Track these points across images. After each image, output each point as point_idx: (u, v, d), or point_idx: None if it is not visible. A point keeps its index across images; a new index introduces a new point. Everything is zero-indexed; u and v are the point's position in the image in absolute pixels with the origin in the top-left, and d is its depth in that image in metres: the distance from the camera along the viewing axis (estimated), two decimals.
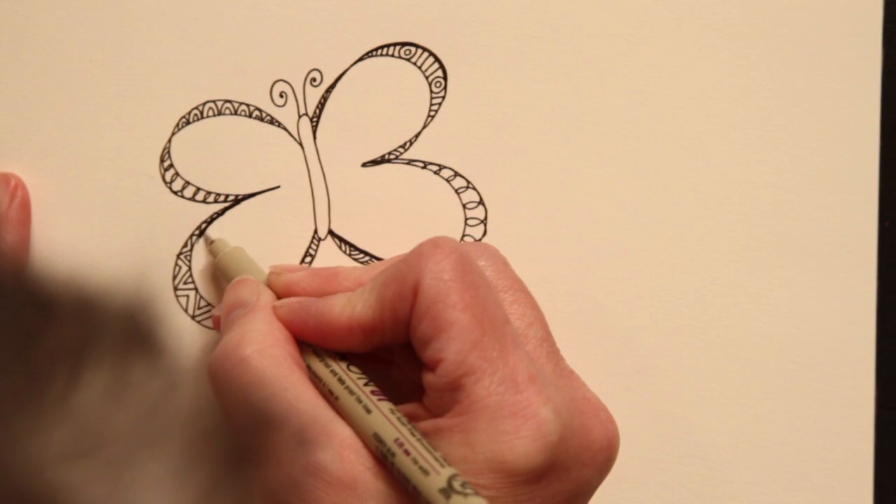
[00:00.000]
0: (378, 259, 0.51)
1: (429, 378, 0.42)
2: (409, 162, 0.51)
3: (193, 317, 0.50)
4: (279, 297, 0.47)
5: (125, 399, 0.47)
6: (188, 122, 0.50)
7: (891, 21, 0.51)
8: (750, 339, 0.51)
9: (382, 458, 0.41)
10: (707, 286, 0.51)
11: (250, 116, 0.50)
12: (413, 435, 0.40)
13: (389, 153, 0.51)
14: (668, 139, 0.51)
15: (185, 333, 0.50)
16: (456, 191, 0.51)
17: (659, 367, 0.51)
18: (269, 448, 0.42)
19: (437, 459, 0.40)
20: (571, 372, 0.45)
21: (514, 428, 0.40)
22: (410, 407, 0.43)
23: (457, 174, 0.51)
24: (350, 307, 0.44)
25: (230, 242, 0.49)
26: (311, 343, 0.45)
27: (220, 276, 0.49)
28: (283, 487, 0.41)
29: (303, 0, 0.50)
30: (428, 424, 0.42)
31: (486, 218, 0.51)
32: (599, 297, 0.51)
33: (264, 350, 0.43)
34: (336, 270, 0.46)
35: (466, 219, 0.51)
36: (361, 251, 0.51)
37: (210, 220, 0.50)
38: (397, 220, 0.51)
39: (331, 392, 0.43)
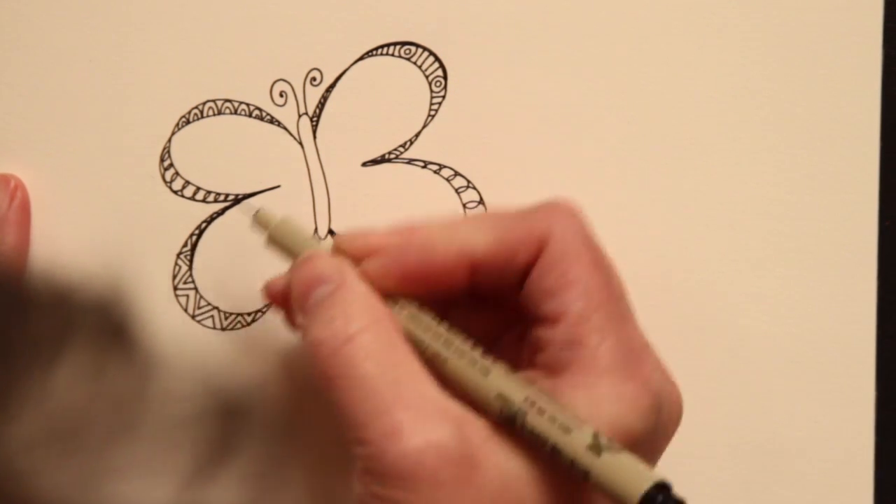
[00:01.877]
0: None
1: (547, 333, 0.42)
2: (409, 161, 0.51)
3: (193, 316, 0.50)
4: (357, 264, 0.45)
5: (101, 386, 0.47)
6: (188, 122, 0.50)
7: (891, 21, 0.51)
8: (750, 339, 0.51)
9: (507, 421, 0.40)
10: (707, 286, 0.51)
11: (250, 116, 0.50)
12: (542, 393, 0.40)
13: (389, 153, 0.51)
14: (668, 139, 0.51)
15: (184, 333, 0.50)
16: (456, 190, 0.51)
17: None
18: (390, 424, 0.40)
19: (574, 417, 0.39)
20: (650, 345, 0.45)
21: (635, 394, 0.41)
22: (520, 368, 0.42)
23: (457, 174, 0.51)
24: (459, 238, 0.43)
25: (276, 212, 0.47)
26: (407, 294, 0.43)
27: (275, 249, 0.46)
28: (405, 466, 0.39)
29: (303, 0, 0.50)
30: (547, 383, 0.41)
31: None
32: None
33: (373, 325, 0.42)
34: (414, 225, 0.44)
35: None
36: None
37: (210, 220, 0.50)
38: (397, 219, 0.51)
39: (437, 355, 0.42)
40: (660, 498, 0.37)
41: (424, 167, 0.51)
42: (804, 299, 0.51)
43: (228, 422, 0.48)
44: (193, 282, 0.50)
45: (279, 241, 0.46)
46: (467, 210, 0.51)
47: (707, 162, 0.51)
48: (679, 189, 0.51)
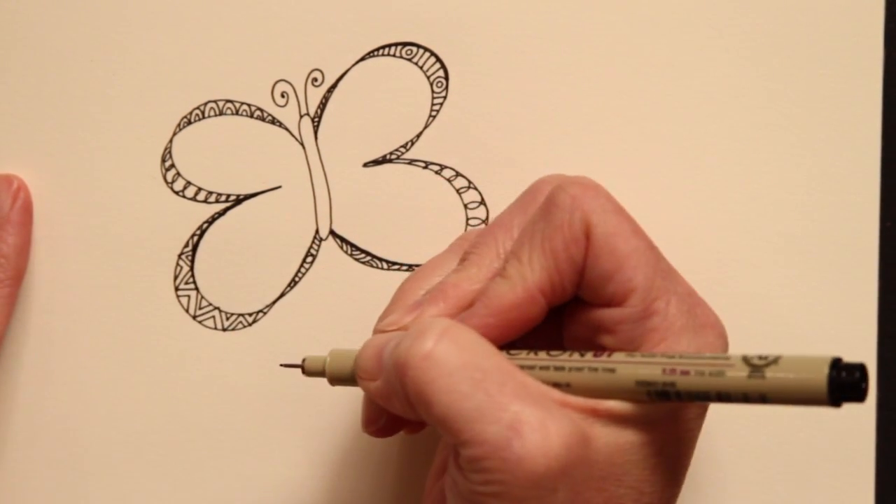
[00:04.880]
0: (380, 259, 0.51)
1: (615, 314, 0.42)
2: (411, 162, 0.51)
3: (194, 317, 0.50)
4: None
5: None
6: (189, 122, 0.50)
7: (892, 21, 0.51)
8: (750, 339, 0.51)
9: (660, 398, 0.40)
10: (707, 286, 0.51)
11: (251, 116, 0.50)
12: (670, 355, 0.39)
13: (391, 153, 0.51)
14: (669, 139, 0.51)
15: (185, 334, 0.50)
16: (457, 191, 0.51)
17: None
18: (499, 423, 0.38)
19: (714, 358, 0.38)
20: None
21: (711, 341, 0.42)
22: None
23: (458, 174, 0.51)
24: (521, 280, 0.42)
25: (312, 352, 0.47)
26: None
27: (337, 379, 0.45)
28: (531, 464, 0.38)
29: (304, 0, 0.50)
30: None
31: (487, 218, 0.51)
32: None
33: (445, 332, 0.40)
34: (444, 285, 0.44)
35: (468, 219, 0.51)
36: (363, 251, 0.51)
37: (211, 220, 0.50)
38: (399, 220, 0.51)
39: (556, 384, 0.41)
40: (843, 373, 0.36)
41: (426, 168, 0.51)
42: (804, 299, 0.51)
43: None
44: (194, 282, 0.50)
45: (338, 368, 0.45)
46: (469, 210, 0.51)
47: (707, 162, 0.51)
48: (679, 189, 0.51)
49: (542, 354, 0.42)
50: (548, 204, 0.43)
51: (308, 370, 0.45)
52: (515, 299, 0.42)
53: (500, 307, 0.42)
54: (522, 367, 0.41)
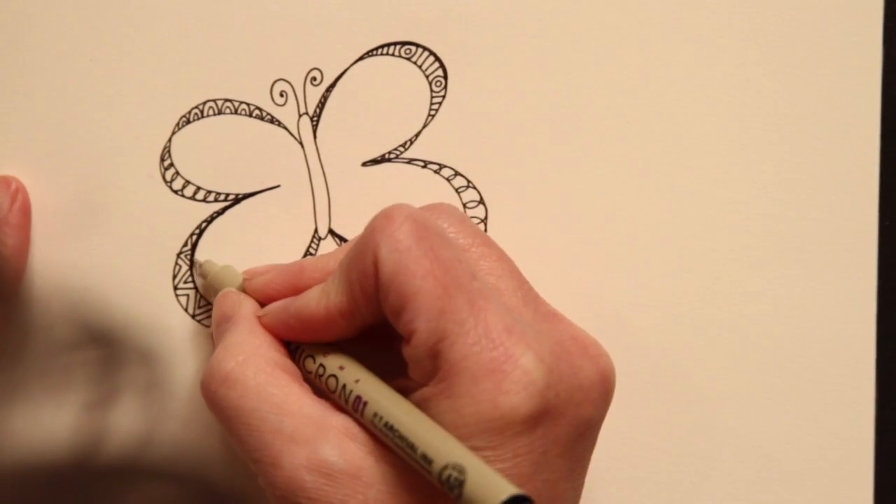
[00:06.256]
0: None
1: (406, 350, 0.42)
2: (410, 161, 0.51)
3: (193, 316, 0.50)
4: (259, 301, 0.47)
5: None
6: (188, 122, 0.50)
7: (891, 21, 0.51)
8: (750, 339, 0.51)
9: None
10: (707, 286, 0.51)
11: (250, 115, 0.50)
12: (413, 418, 0.41)
13: (389, 152, 0.51)
14: (668, 139, 0.51)
15: (184, 333, 0.50)
16: (456, 190, 0.51)
17: (659, 366, 0.51)
18: (270, 455, 0.42)
19: (429, 448, 0.39)
20: (555, 313, 0.45)
21: (496, 384, 0.40)
22: (401, 381, 0.43)
23: (457, 173, 0.51)
24: (325, 297, 0.44)
25: (217, 262, 0.49)
26: (302, 341, 0.45)
27: (212, 296, 0.49)
28: (291, 491, 0.41)
29: (303, 0, 0.50)
30: (416, 396, 0.42)
31: (486, 217, 0.51)
32: (600, 295, 0.51)
33: (246, 361, 0.44)
34: (301, 264, 0.47)
35: None
36: None
37: (210, 220, 0.50)
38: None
39: (330, 390, 0.44)
40: None
41: (424, 167, 0.51)
42: (804, 299, 0.51)
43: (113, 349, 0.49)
44: (193, 281, 0.50)
45: (215, 286, 0.49)
46: (467, 209, 0.51)
47: (707, 162, 0.51)
48: (679, 189, 0.51)
49: (335, 363, 0.44)
50: (363, 232, 0.44)
51: (202, 272, 0.49)
52: (316, 314, 0.44)
53: (301, 316, 0.45)
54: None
